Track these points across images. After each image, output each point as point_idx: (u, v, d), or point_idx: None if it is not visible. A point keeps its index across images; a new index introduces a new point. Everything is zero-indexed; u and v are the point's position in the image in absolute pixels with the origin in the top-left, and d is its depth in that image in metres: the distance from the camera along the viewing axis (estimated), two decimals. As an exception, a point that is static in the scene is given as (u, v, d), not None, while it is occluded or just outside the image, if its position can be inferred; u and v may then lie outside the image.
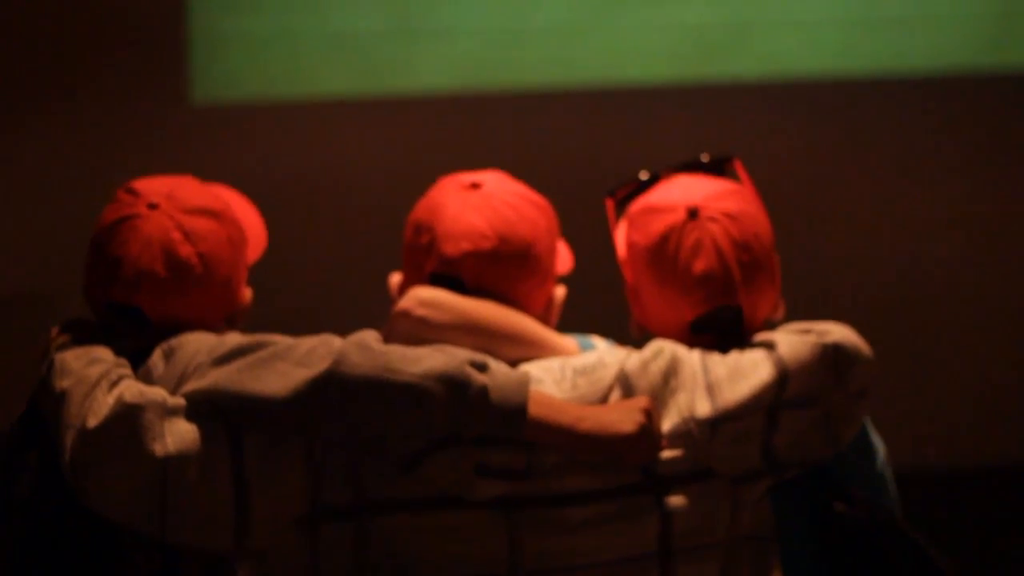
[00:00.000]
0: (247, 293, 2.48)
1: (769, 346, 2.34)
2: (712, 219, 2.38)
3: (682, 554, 2.26)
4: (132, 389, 2.22)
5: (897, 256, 5.24)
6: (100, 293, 2.38)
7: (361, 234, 4.38)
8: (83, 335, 2.34)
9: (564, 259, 2.53)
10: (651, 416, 2.25)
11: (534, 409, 2.21)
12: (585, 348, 2.40)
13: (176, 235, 2.36)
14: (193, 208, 2.39)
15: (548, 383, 2.28)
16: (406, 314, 2.32)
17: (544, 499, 2.24)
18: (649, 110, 5.09)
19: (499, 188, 2.42)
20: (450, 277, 2.36)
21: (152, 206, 2.37)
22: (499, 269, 2.37)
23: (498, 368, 2.22)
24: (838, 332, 2.35)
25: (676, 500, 2.26)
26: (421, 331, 2.31)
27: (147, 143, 4.82)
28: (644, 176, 2.54)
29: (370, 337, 2.23)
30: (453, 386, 2.17)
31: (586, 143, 5.03)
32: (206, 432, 2.21)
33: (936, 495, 4.89)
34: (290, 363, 2.20)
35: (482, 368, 2.20)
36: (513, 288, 2.38)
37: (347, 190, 4.97)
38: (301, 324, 4.16)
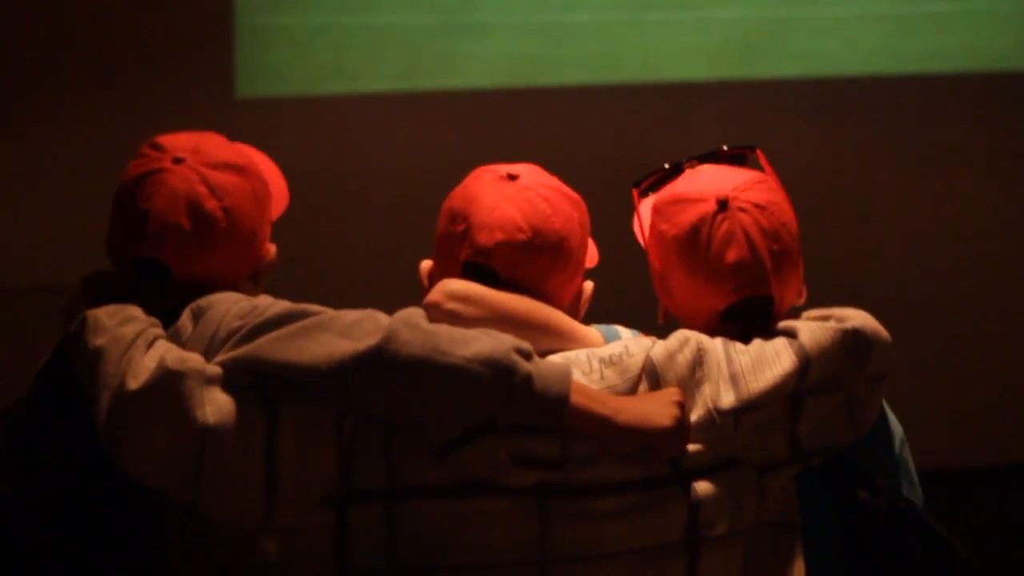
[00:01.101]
0: (271, 249, 2.47)
1: (790, 334, 2.36)
2: (742, 209, 2.41)
3: (707, 542, 2.29)
4: (173, 353, 2.21)
5: (928, 254, 5.24)
6: (125, 248, 2.37)
7: (403, 227, 4.41)
8: (112, 291, 2.33)
9: (591, 254, 2.54)
10: (683, 408, 2.27)
11: (575, 399, 2.23)
12: (610, 338, 2.41)
13: (202, 189, 2.35)
14: (218, 162, 2.38)
15: (577, 374, 2.30)
16: (436, 307, 2.31)
17: (575, 489, 2.26)
18: (686, 106, 5.10)
19: (534, 181, 2.43)
20: (483, 266, 2.37)
21: (177, 160, 2.37)
22: (532, 261, 2.38)
23: (540, 359, 2.24)
24: (857, 317, 2.38)
25: (703, 489, 2.29)
26: (451, 324, 2.31)
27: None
28: (667, 166, 2.57)
29: (417, 315, 2.23)
30: (500, 371, 2.18)
31: (622, 139, 5.04)
32: (243, 405, 2.20)
33: (951, 494, 4.89)
34: (333, 333, 2.19)
35: (527, 356, 2.21)
36: (545, 280, 2.39)
37: (390, 184, 5.00)
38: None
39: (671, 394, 2.28)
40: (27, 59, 4.89)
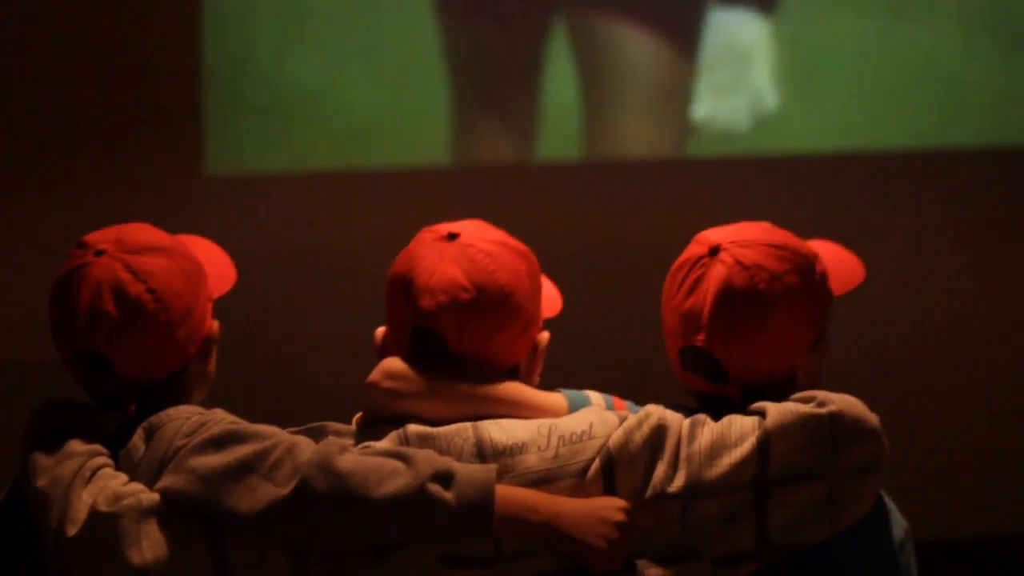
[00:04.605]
0: (214, 325, 2.47)
1: (762, 414, 2.28)
2: (723, 262, 2.35)
3: None
4: (107, 492, 2.24)
5: (905, 336, 5.22)
6: (63, 346, 2.40)
7: (373, 302, 4.41)
8: (58, 421, 2.35)
9: (552, 301, 2.52)
10: (626, 526, 2.24)
11: (505, 511, 2.22)
12: (577, 404, 2.37)
13: (124, 275, 2.37)
14: (140, 247, 2.40)
15: (532, 450, 2.28)
16: (375, 386, 2.34)
17: None
18: (655, 183, 5.12)
19: (476, 237, 2.40)
20: (430, 330, 2.35)
21: (99, 253, 2.39)
22: (480, 319, 2.35)
23: (463, 473, 2.22)
24: (840, 402, 2.28)
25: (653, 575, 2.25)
26: (391, 402, 2.33)
27: (161, 216, 4.87)
28: None
29: (335, 449, 2.24)
30: (416, 511, 2.20)
31: (589, 215, 5.05)
32: (185, 535, 2.23)
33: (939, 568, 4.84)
34: (259, 475, 2.23)
35: (447, 480, 2.21)
36: (495, 336, 2.36)
37: (359, 259, 4.99)
38: (318, 391, 4.20)
39: (614, 510, 2.25)
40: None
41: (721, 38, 5.03)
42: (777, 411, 2.26)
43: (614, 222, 4.98)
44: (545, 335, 2.46)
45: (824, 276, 2.41)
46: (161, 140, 4.96)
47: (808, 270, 2.38)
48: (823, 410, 2.26)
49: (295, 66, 5.02)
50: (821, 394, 2.29)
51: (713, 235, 2.41)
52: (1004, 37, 5.10)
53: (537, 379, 2.46)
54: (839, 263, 2.50)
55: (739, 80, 5.06)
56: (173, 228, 2.51)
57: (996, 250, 5.20)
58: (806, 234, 2.49)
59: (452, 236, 2.40)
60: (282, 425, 2.33)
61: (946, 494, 5.17)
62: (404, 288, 2.38)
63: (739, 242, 2.37)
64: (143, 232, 2.44)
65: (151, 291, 2.37)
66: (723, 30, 5.04)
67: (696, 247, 2.40)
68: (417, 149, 5.12)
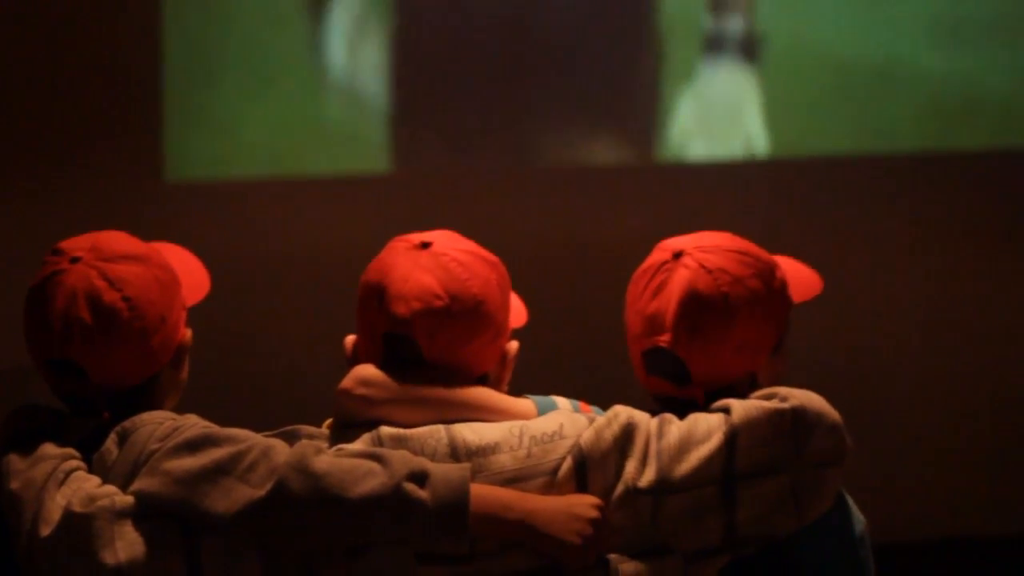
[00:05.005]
0: (187, 333, 2.48)
1: (727, 411, 2.33)
2: (687, 266, 2.41)
3: None
4: (81, 493, 2.25)
5: (857, 335, 5.24)
6: (37, 352, 2.40)
7: (339, 308, 4.41)
8: (31, 425, 2.36)
9: (518, 313, 2.55)
10: (599, 523, 2.27)
11: (480, 509, 2.25)
12: (546, 409, 2.41)
13: (99, 283, 2.37)
14: (116, 255, 2.40)
15: (504, 450, 2.31)
16: (347, 393, 2.36)
17: None
18: (617, 186, 5.13)
19: (448, 246, 2.43)
20: (403, 336, 2.38)
21: (74, 260, 2.39)
22: (452, 326, 2.38)
23: (438, 473, 2.25)
24: (801, 397, 2.33)
25: (628, 571, 2.27)
26: (363, 409, 2.35)
27: (121, 222, 4.85)
28: None
29: (310, 451, 2.26)
30: (392, 511, 2.22)
31: (554, 220, 5.06)
32: (159, 536, 2.24)
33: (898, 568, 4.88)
34: (234, 477, 2.24)
35: (421, 479, 2.24)
36: (467, 344, 2.39)
37: (324, 267, 4.99)
38: (288, 400, 4.19)
39: (587, 507, 2.28)
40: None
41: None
42: (742, 407, 2.31)
43: (576, 228, 4.99)
44: (514, 344, 2.50)
45: (784, 283, 2.47)
46: (121, 146, 4.94)
47: (769, 276, 2.44)
48: (786, 405, 2.31)
49: (256, 72, 5.01)
50: (783, 390, 2.34)
51: (676, 242, 2.47)
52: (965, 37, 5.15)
53: (506, 388, 2.49)
54: (797, 274, 2.56)
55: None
56: (133, 234, 2.50)
57: (954, 253, 5.24)
58: (776, 238, 2.53)
59: (425, 245, 2.44)
60: (253, 430, 2.35)
61: (907, 496, 5.20)
62: (378, 295, 2.41)
63: (702, 247, 2.43)
64: (118, 240, 2.44)
65: (126, 299, 2.38)
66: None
67: (659, 253, 2.46)
68: (370, 157, 5.12)
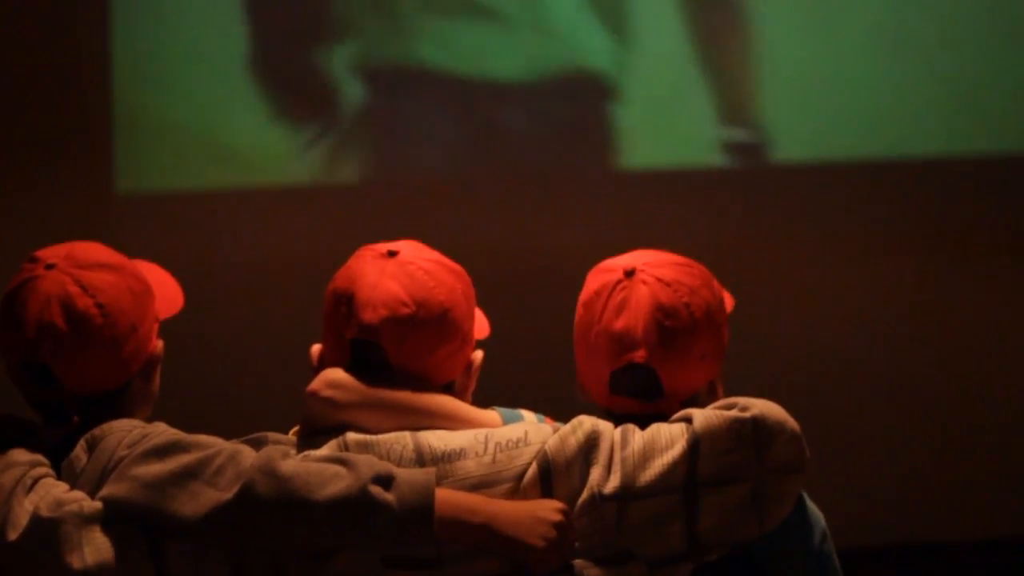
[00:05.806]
0: (158, 344, 2.51)
1: (688, 420, 2.35)
2: (644, 282, 2.44)
3: None
4: (48, 499, 2.27)
5: (828, 340, 5.25)
6: (10, 357, 2.43)
7: (301, 317, 4.41)
8: (1, 433, 2.38)
9: (481, 325, 2.57)
10: (563, 527, 2.29)
11: (444, 513, 2.27)
12: (511, 421, 2.43)
13: (74, 289, 2.40)
14: (91, 263, 2.44)
15: (470, 456, 2.33)
16: (314, 394, 2.38)
17: None
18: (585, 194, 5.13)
19: (415, 255, 2.46)
20: (370, 343, 2.40)
21: (49, 267, 2.43)
22: (418, 334, 2.40)
23: (404, 476, 2.27)
24: (761, 406, 2.35)
25: None
26: (329, 411, 2.38)
27: (71, 234, 4.82)
28: None
29: (277, 454, 2.29)
30: (358, 514, 2.24)
31: (516, 228, 5.06)
32: (126, 540, 2.26)
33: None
34: (201, 482, 2.27)
35: (387, 483, 2.26)
36: (432, 352, 2.42)
37: (281, 276, 4.97)
38: (253, 409, 4.16)
39: (551, 511, 2.30)
40: None
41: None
42: (703, 416, 2.34)
43: (533, 237, 5.00)
44: (479, 354, 2.53)
45: (721, 289, 2.53)
46: (71, 158, 4.92)
47: (712, 283, 2.50)
48: (746, 414, 2.33)
49: (205, 82, 4.99)
50: (742, 400, 2.37)
51: (618, 262, 2.51)
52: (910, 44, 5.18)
53: (470, 397, 2.52)
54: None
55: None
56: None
57: (914, 259, 5.27)
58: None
59: (392, 254, 2.46)
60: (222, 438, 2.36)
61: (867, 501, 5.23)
62: (346, 302, 2.43)
63: (649, 263, 2.48)
64: (94, 249, 2.47)
65: (99, 306, 2.40)
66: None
67: (607, 274, 2.49)
68: (325, 167, 5.11)
